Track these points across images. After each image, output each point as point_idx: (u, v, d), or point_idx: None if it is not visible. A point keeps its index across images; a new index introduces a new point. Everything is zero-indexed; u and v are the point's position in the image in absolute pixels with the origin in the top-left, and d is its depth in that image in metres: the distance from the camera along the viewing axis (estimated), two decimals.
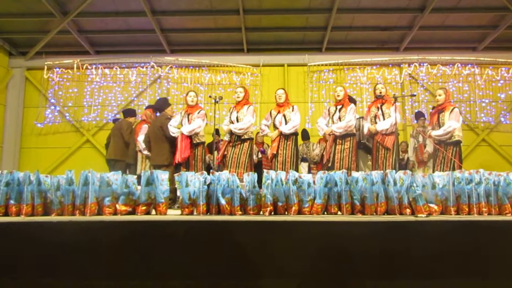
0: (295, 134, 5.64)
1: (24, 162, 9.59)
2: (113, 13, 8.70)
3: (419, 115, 7.55)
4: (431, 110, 5.87)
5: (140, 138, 6.28)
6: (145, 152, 6.13)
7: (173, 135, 5.74)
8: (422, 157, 6.80)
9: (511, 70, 9.51)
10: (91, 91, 9.81)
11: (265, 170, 3.42)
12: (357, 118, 5.89)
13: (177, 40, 9.78)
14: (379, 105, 5.62)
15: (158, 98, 9.65)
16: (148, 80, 9.85)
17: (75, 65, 9.66)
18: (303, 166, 7.78)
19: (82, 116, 9.71)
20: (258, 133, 7.09)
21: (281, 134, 5.56)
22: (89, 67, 9.75)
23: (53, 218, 3.17)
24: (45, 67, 9.69)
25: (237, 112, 5.62)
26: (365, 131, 5.76)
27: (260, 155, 7.44)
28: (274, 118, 5.71)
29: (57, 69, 9.74)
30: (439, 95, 5.50)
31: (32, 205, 3.33)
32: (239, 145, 5.54)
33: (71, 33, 9.08)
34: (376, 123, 5.58)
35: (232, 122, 5.63)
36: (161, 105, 6.32)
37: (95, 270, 2.57)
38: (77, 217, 3.13)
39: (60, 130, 9.77)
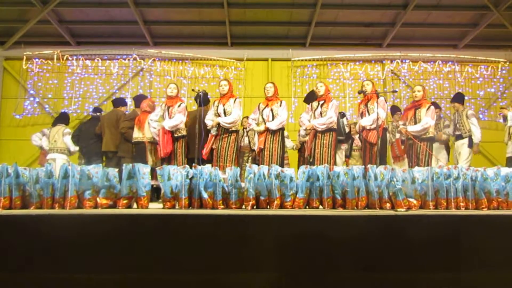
0: (282, 129, 5.66)
1: (2, 154, 9.34)
2: (95, 3, 8.52)
3: (394, 110, 7.53)
4: (405, 105, 6.05)
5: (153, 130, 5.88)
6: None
7: (153, 130, 5.70)
8: (399, 152, 6.84)
9: (490, 68, 9.71)
10: (72, 82, 9.61)
11: (247, 164, 3.43)
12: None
13: (160, 33, 9.66)
14: (365, 103, 5.77)
15: (140, 91, 9.57)
16: (131, 73, 9.71)
17: (55, 56, 9.44)
18: None
19: (62, 108, 9.45)
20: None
21: (268, 129, 5.57)
22: (69, 58, 9.54)
23: (32, 211, 3.11)
24: (24, 57, 9.43)
25: (223, 105, 5.60)
26: (357, 128, 6.03)
27: None
28: (262, 111, 5.71)
29: (37, 60, 9.50)
30: (418, 91, 5.69)
31: (9, 198, 3.26)
32: (226, 138, 5.54)
33: (51, 23, 8.86)
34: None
35: (218, 115, 5.60)
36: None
37: (76, 264, 2.55)
38: (57, 211, 3.09)
39: (40, 122, 9.55)
